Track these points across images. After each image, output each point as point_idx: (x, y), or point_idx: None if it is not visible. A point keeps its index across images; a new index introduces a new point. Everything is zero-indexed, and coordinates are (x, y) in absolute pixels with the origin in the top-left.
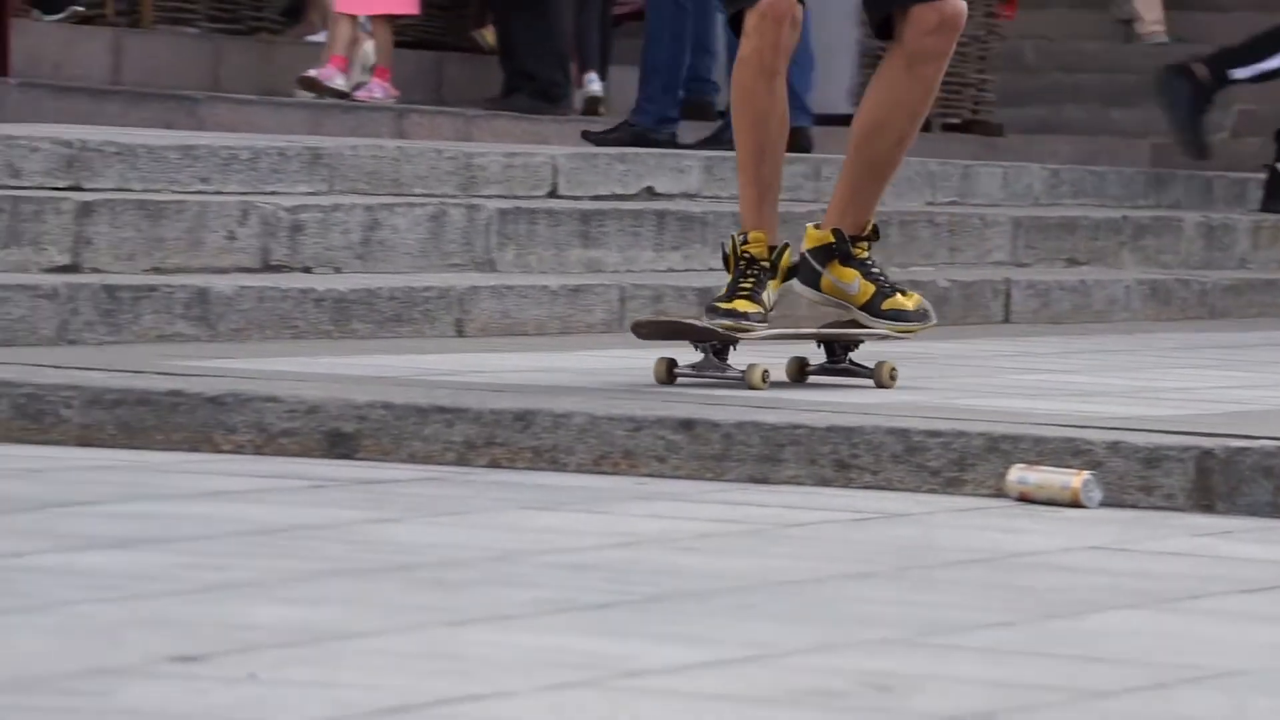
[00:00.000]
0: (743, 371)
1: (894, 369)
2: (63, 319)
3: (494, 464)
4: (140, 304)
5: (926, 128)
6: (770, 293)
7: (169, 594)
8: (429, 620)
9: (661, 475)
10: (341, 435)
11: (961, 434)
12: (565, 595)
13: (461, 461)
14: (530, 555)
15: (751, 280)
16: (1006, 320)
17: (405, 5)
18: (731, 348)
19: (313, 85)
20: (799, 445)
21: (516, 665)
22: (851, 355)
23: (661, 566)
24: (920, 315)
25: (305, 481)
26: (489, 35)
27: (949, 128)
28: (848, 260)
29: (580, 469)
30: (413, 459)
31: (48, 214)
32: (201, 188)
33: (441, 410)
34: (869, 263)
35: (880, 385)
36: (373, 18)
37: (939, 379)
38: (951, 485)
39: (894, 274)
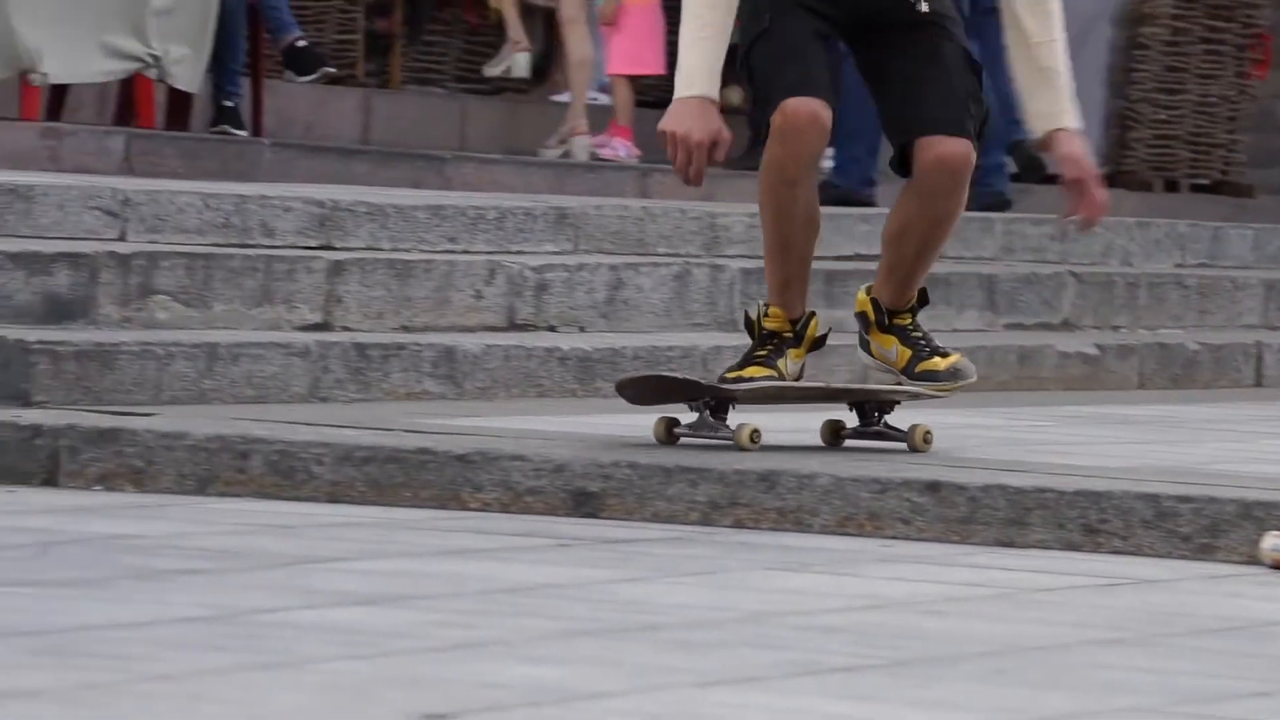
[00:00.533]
0: (734, 431)
1: (928, 433)
2: (314, 376)
3: (738, 524)
4: (389, 362)
5: (1174, 188)
6: (790, 361)
7: (419, 651)
8: (675, 681)
9: (906, 537)
10: (587, 494)
11: (1213, 500)
12: (811, 658)
13: (706, 521)
14: (776, 617)
15: (768, 350)
16: (1258, 384)
17: (654, 66)
18: (731, 407)
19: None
20: (1046, 509)
21: None
22: (887, 419)
23: (907, 630)
24: (949, 375)
25: (551, 540)
26: (733, 94)
27: (1198, 189)
28: (886, 328)
29: (825, 530)
30: (657, 518)
31: (300, 273)
32: (449, 247)
33: (686, 470)
34: (909, 328)
35: (913, 449)
36: (614, 76)
37: (1189, 443)
38: (1203, 552)
39: (1141, 336)
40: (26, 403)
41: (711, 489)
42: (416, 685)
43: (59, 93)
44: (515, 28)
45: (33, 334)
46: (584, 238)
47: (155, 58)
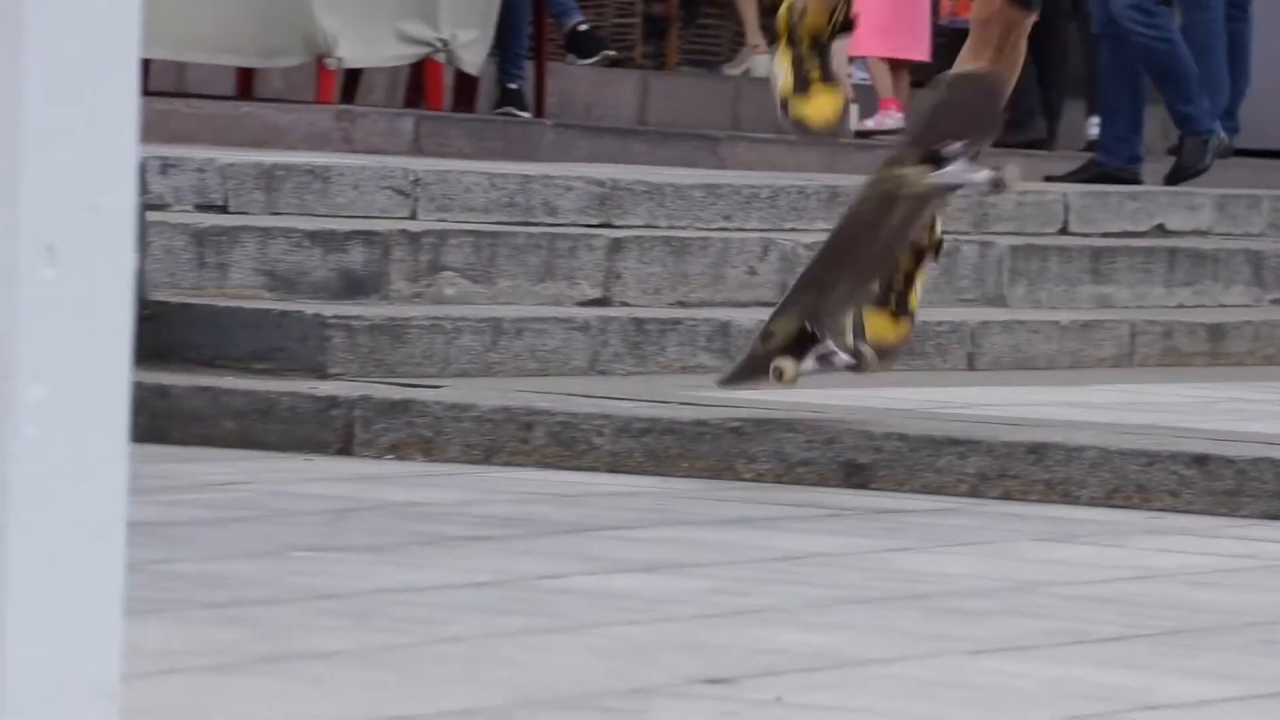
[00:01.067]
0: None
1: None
2: (594, 350)
3: (1006, 496)
4: (665, 336)
5: None
6: (831, 54)
7: (696, 617)
8: (947, 648)
9: (1174, 510)
10: (857, 466)
11: None
12: (1081, 627)
13: (974, 493)
14: (1044, 586)
15: (817, 58)
16: None
17: (914, 50)
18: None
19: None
20: None
21: (1036, 695)
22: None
23: (1176, 600)
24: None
25: (823, 510)
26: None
27: None
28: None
29: (1092, 502)
30: (925, 490)
31: (581, 250)
32: (724, 224)
33: (955, 442)
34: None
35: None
36: (854, 58)
37: None
38: None
39: None
40: (323, 375)
41: (980, 461)
42: (694, 650)
43: (353, 76)
44: (753, 31)
45: (329, 309)
46: None
47: (444, 42)
